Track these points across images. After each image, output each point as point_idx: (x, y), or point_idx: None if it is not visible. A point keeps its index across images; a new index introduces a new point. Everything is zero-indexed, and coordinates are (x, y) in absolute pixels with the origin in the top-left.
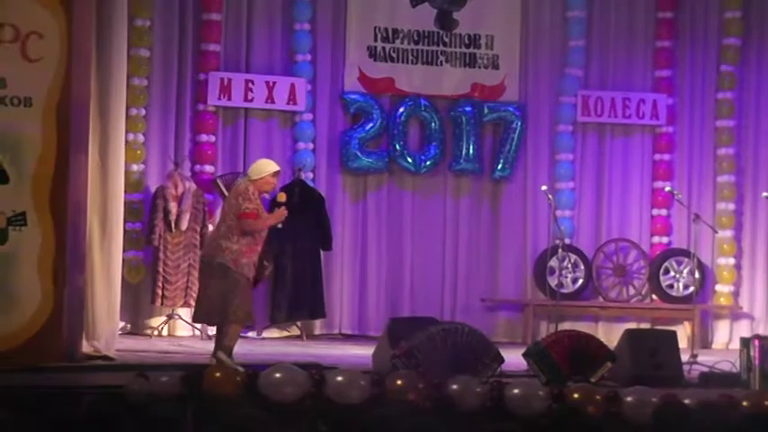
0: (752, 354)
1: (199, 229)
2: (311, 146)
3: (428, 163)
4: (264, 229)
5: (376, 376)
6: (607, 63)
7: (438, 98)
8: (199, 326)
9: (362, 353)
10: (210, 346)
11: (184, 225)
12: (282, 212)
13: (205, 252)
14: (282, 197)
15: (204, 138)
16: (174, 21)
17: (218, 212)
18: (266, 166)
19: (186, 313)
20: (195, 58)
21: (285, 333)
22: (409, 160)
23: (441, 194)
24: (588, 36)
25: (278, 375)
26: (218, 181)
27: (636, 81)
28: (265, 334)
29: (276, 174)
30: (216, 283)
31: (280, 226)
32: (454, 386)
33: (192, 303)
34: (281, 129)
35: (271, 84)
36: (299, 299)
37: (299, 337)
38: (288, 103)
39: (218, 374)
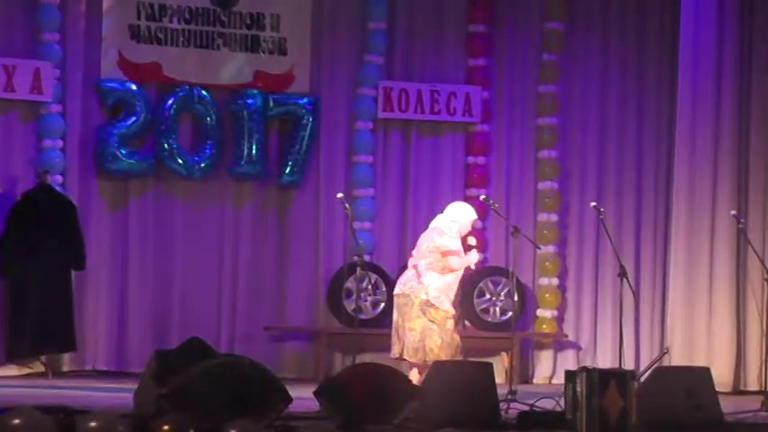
0: (578, 389)
1: None
2: (60, 143)
3: (203, 165)
4: (461, 269)
5: (138, 420)
6: (413, 50)
7: (215, 88)
8: None
9: (122, 392)
10: None
11: None
12: (476, 255)
13: (406, 288)
14: (474, 240)
15: None
16: None
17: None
18: (470, 213)
19: None
20: None
21: (27, 370)
22: (180, 162)
23: (218, 203)
24: (391, 18)
25: (17, 421)
26: None
27: (446, 71)
28: (2, 371)
29: (475, 221)
30: (417, 320)
31: (473, 267)
32: (232, 431)
33: None
34: (22, 122)
35: (10, 68)
36: (45, 329)
37: (43, 375)
38: (31, 92)
39: None
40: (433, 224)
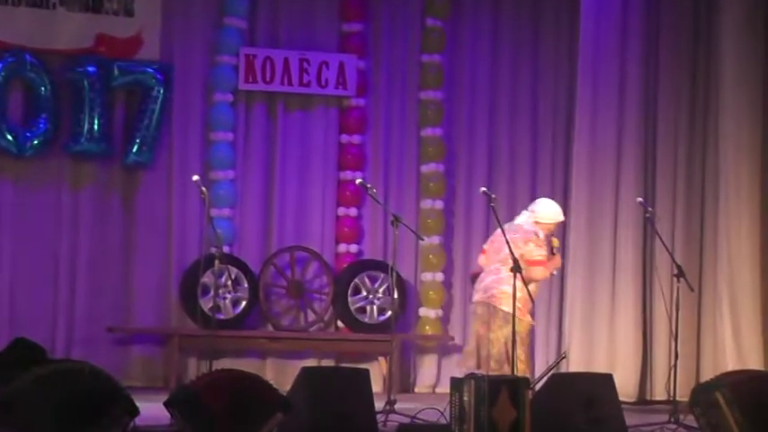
0: (465, 398)
1: None
2: None
3: (36, 142)
4: (545, 279)
5: None
6: (279, 12)
7: (50, 54)
8: None
9: None
10: None
11: None
12: (559, 261)
13: (487, 296)
14: (557, 243)
15: None
16: None
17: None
18: (558, 215)
19: None
20: None
21: None
22: (9, 138)
23: (54, 185)
24: None
25: None
26: None
27: (317, 37)
28: None
29: (560, 223)
30: (501, 331)
31: (555, 273)
32: None
33: None
34: None
35: None
36: None
37: None
38: None
39: None
40: (516, 222)
